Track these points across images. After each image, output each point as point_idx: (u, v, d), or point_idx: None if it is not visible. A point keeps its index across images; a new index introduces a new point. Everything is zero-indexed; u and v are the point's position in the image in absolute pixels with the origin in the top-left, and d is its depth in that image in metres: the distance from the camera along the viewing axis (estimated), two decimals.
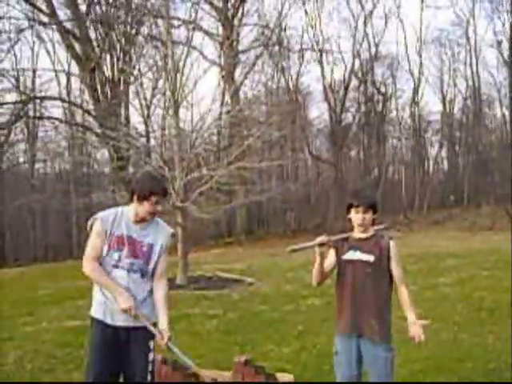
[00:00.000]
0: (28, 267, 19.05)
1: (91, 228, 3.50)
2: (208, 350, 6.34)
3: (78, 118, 29.52)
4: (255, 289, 11.20)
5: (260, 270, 14.07)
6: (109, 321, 3.44)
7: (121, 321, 3.42)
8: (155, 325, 3.47)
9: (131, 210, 3.54)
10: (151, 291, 3.55)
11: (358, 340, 3.51)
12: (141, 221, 3.53)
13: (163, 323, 3.48)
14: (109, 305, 3.42)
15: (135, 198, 3.50)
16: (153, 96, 25.67)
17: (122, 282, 3.43)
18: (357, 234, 3.63)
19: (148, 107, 26.24)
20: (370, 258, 3.51)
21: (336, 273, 3.64)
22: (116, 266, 3.45)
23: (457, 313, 8.02)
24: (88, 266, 3.44)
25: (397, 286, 3.58)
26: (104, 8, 24.16)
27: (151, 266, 3.53)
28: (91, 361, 3.46)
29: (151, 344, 3.49)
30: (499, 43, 34.06)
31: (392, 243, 3.58)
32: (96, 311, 3.50)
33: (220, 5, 28.79)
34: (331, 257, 3.64)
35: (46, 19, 23.63)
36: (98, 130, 21.99)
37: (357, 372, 3.54)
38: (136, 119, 28.79)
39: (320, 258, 3.53)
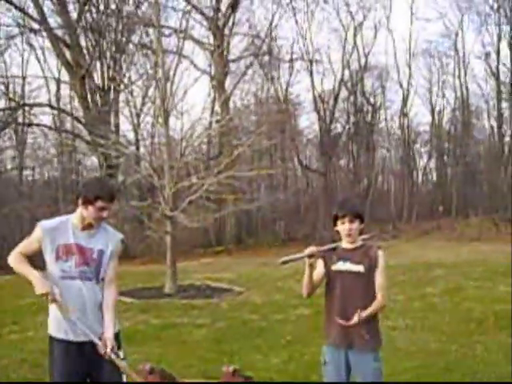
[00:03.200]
0: (14, 275, 18.90)
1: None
2: (196, 360, 6.31)
3: (68, 126, 29.39)
4: (244, 298, 11.17)
5: (249, 280, 14.04)
6: (72, 337, 3.29)
7: (85, 336, 3.25)
8: (116, 336, 3.35)
9: (77, 216, 3.41)
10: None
11: (346, 350, 3.50)
12: (88, 227, 3.40)
13: (108, 331, 3.30)
14: (67, 320, 3.25)
15: (80, 201, 3.36)
16: (143, 104, 25.64)
17: (76, 292, 3.29)
18: (345, 244, 3.63)
19: (138, 115, 26.22)
20: (360, 268, 3.51)
21: (325, 283, 3.63)
22: (68, 277, 3.31)
23: (445, 323, 8.04)
24: (11, 256, 3.37)
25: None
26: (95, 16, 24.14)
27: (102, 272, 3.40)
28: (55, 376, 3.31)
29: (121, 354, 3.30)
30: (487, 55, 34.40)
31: (380, 253, 3.58)
32: (56, 330, 3.34)
33: (211, 14, 28.83)
34: (320, 267, 3.63)
35: (36, 26, 23.59)
36: (88, 138, 21.94)
37: (345, 382, 3.53)
38: (126, 127, 28.89)
39: (310, 269, 3.52)
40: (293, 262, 3.53)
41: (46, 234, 3.35)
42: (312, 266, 3.51)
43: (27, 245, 3.42)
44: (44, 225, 3.40)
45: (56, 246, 3.34)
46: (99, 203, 3.34)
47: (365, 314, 3.42)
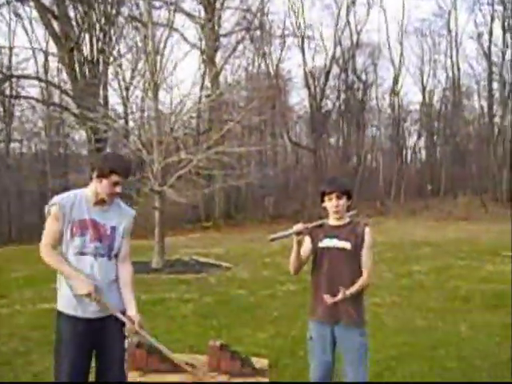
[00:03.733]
0: (2, 249, 18.81)
1: (49, 213, 3.28)
2: (183, 334, 6.32)
3: (56, 98, 29.11)
4: (232, 273, 11.20)
5: (237, 255, 14.08)
6: (80, 314, 3.24)
7: (93, 312, 3.25)
8: (123, 313, 3.33)
9: (90, 191, 3.33)
10: (117, 276, 3.40)
11: (332, 326, 3.51)
12: (101, 202, 3.33)
13: (131, 309, 3.33)
14: (78, 297, 3.22)
15: (95, 175, 3.28)
16: (132, 77, 25.26)
17: (88, 268, 3.25)
18: (332, 221, 3.61)
19: (127, 89, 25.92)
20: (347, 245, 3.50)
21: (312, 260, 3.63)
22: (81, 253, 3.26)
23: (431, 301, 8.11)
24: (44, 251, 3.23)
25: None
26: None
27: (115, 249, 3.36)
28: (63, 358, 3.28)
29: (124, 331, 3.33)
30: (479, 35, 34.38)
31: (367, 229, 3.57)
32: (65, 306, 3.29)
33: None
34: (307, 244, 3.62)
35: None
36: (76, 111, 21.72)
37: (331, 357, 3.55)
38: (115, 100, 28.66)
39: (297, 246, 3.51)
40: (281, 239, 3.52)
41: (64, 210, 3.24)
42: (300, 243, 3.50)
43: (51, 230, 3.26)
44: (60, 201, 3.26)
45: (71, 222, 3.26)
46: (114, 177, 3.27)
47: (349, 291, 3.43)
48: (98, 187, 3.29)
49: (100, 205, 3.34)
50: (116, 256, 3.39)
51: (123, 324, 3.30)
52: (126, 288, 3.39)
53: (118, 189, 3.31)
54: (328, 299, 3.42)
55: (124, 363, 3.37)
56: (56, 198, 3.28)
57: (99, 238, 3.29)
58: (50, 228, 3.26)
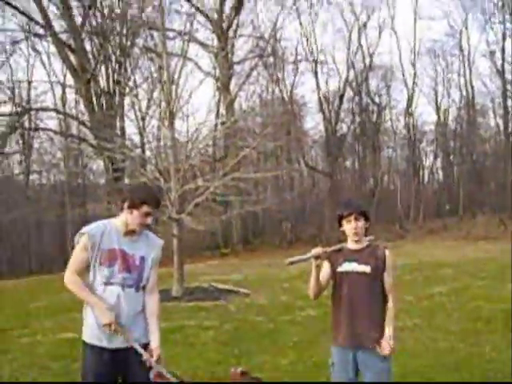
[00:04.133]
0: (23, 279, 18.96)
1: (78, 243, 3.34)
2: (204, 362, 6.31)
3: (74, 130, 29.54)
4: (251, 300, 11.17)
5: (256, 281, 14.04)
6: (105, 344, 3.28)
7: (119, 342, 3.28)
8: (147, 345, 3.35)
9: (120, 221, 3.39)
10: (144, 306, 3.42)
11: (355, 351, 3.50)
12: (130, 233, 3.39)
13: (154, 340, 3.36)
14: (103, 328, 3.25)
15: (126, 206, 3.35)
16: (148, 107, 25.65)
17: (115, 298, 3.28)
18: (351, 244, 3.62)
19: (143, 118, 26.24)
20: (367, 268, 3.50)
21: (332, 284, 3.63)
22: (109, 283, 3.29)
23: (453, 322, 8.01)
24: (69, 278, 3.28)
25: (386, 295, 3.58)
26: (99, 20, 24.24)
27: (144, 279, 3.40)
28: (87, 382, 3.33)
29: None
30: (492, 53, 34.30)
31: (387, 253, 3.58)
32: (90, 336, 3.33)
33: (215, 16, 28.91)
34: (326, 269, 3.62)
35: (41, 31, 23.77)
36: (93, 141, 22.02)
37: (354, 383, 3.53)
38: (131, 130, 28.90)
39: (316, 270, 3.51)
40: (299, 262, 3.54)
41: (94, 240, 3.29)
42: (318, 267, 3.51)
43: (78, 258, 3.32)
44: (90, 231, 3.32)
45: (100, 252, 3.30)
46: (145, 208, 3.34)
47: (389, 331, 3.48)
48: (128, 218, 3.35)
49: (130, 235, 3.38)
50: (144, 287, 3.41)
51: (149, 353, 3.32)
52: (152, 318, 3.41)
53: (149, 219, 3.39)
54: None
55: None
56: (86, 228, 3.34)
57: (128, 269, 3.33)
58: (76, 257, 3.31)
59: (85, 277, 3.33)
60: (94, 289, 3.29)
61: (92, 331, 3.31)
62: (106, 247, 3.30)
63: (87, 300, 3.27)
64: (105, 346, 3.29)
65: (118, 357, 3.29)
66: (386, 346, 3.43)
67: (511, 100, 34.45)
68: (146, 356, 3.26)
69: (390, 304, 3.55)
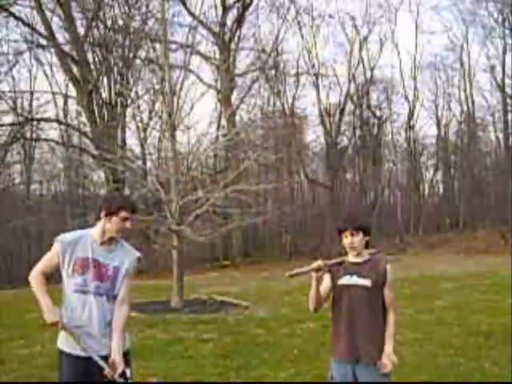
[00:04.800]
0: (22, 289, 18.89)
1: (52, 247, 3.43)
2: (203, 375, 6.28)
3: (75, 140, 29.60)
4: (251, 312, 11.13)
5: (256, 294, 14.01)
6: (79, 352, 3.28)
7: (93, 351, 3.28)
8: (127, 354, 3.37)
9: (97, 230, 3.43)
10: None
11: (354, 365, 3.48)
12: (108, 242, 3.42)
13: (115, 353, 3.28)
14: (79, 335, 3.27)
15: (103, 214, 3.40)
16: (149, 119, 25.85)
17: (87, 306, 3.32)
18: (352, 258, 3.61)
19: (145, 130, 26.41)
20: (367, 282, 3.49)
21: (332, 298, 3.62)
22: (82, 291, 3.33)
23: (453, 336, 7.98)
24: (32, 275, 3.35)
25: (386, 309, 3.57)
26: (102, 31, 24.40)
27: (116, 289, 3.41)
28: None
29: (127, 372, 3.29)
30: (492, 68, 34.46)
31: (389, 267, 3.57)
32: (64, 344, 3.34)
33: (217, 29, 29.07)
34: (326, 281, 3.62)
35: (44, 42, 23.85)
36: (95, 152, 22.02)
37: None
38: (132, 142, 28.94)
39: (316, 283, 3.51)
40: (300, 275, 3.53)
41: (66, 248, 3.35)
42: (319, 280, 3.50)
43: (48, 260, 3.41)
44: (64, 238, 3.39)
45: (74, 260, 3.35)
46: (123, 213, 3.39)
47: (390, 348, 3.46)
48: (107, 225, 3.39)
49: (107, 244, 3.42)
50: (115, 297, 3.41)
51: (125, 365, 3.28)
52: (116, 331, 3.36)
53: (128, 224, 3.42)
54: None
55: None
56: (61, 236, 3.41)
57: (100, 278, 3.35)
58: (46, 259, 3.41)
59: (48, 278, 3.38)
60: (67, 296, 3.34)
61: (66, 338, 3.32)
62: (79, 255, 3.35)
63: (38, 297, 3.29)
64: (79, 355, 3.29)
65: (93, 366, 3.26)
66: (387, 363, 3.42)
67: (511, 114, 34.53)
68: (106, 368, 3.22)
69: (391, 320, 3.54)
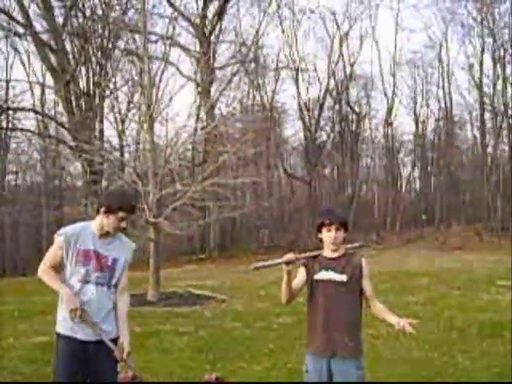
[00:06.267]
0: None
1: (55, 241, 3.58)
2: (179, 368, 6.27)
3: (52, 131, 29.19)
4: (227, 306, 11.14)
5: (232, 287, 14.01)
6: (78, 336, 3.47)
7: (90, 335, 3.46)
8: (116, 340, 3.53)
9: (96, 224, 3.59)
10: (115, 305, 3.62)
11: (329, 359, 3.49)
12: (105, 235, 3.58)
13: (124, 336, 3.55)
14: (76, 320, 3.43)
15: (103, 210, 3.54)
16: (128, 110, 25.61)
17: (89, 295, 3.49)
18: (328, 253, 3.61)
19: (123, 121, 26.16)
20: (343, 277, 3.50)
21: (307, 292, 3.62)
22: (85, 281, 3.50)
23: (428, 332, 8.06)
24: (42, 269, 3.52)
25: (370, 301, 3.59)
26: (81, 21, 24.09)
27: (115, 279, 3.60)
28: (60, 377, 3.50)
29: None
30: (471, 66, 34.82)
31: (364, 261, 3.58)
32: (64, 327, 3.51)
33: (197, 21, 28.91)
34: (301, 275, 3.61)
35: (21, 30, 23.48)
36: (72, 143, 21.79)
37: None
38: (110, 133, 28.70)
39: (287, 276, 3.48)
40: (267, 268, 3.52)
41: (69, 240, 3.51)
42: (289, 273, 3.47)
43: (52, 256, 3.55)
44: (67, 232, 3.55)
45: (76, 251, 3.51)
46: (120, 214, 3.54)
47: (395, 316, 3.53)
48: (104, 221, 3.56)
49: (104, 237, 3.59)
50: (115, 286, 3.61)
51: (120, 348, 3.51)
52: (121, 318, 3.61)
53: (124, 224, 3.60)
54: None
55: None
56: (63, 229, 3.60)
57: (101, 268, 3.54)
58: (51, 253, 3.57)
59: (58, 272, 3.55)
60: (70, 286, 3.48)
61: (66, 323, 3.49)
62: (81, 248, 3.52)
63: (56, 288, 3.47)
64: (76, 337, 3.47)
65: (89, 348, 3.47)
66: (403, 324, 3.45)
67: (488, 113, 34.96)
68: (116, 350, 3.45)
69: (380, 305, 3.61)
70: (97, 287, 3.51)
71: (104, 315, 3.53)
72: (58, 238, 3.54)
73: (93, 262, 3.51)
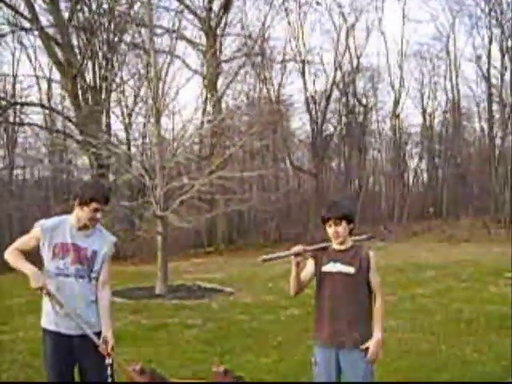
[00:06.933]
0: (4, 275, 18.76)
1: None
2: (187, 360, 6.30)
3: (59, 125, 29.23)
4: (235, 298, 11.17)
5: (240, 280, 14.04)
6: (62, 330, 3.48)
7: (73, 329, 3.47)
8: (99, 334, 3.53)
9: (74, 217, 3.61)
10: (96, 298, 3.61)
11: (337, 351, 3.50)
12: (84, 228, 3.60)
13: (107, 330, 3.55)
14: (60, 314, 3.45)
15: (76, 203, 3.57)
16: (134, 104, 25.59)
17: (69, 288, 3.49)
18: (336, 245, 3.63)
19: (129, 115, 26.16)
20: (351, 269, 3.51)
21: (315, 284, 3.63)
22: (63, 275, 3.51)
23: (435, 324, 8.07)
24: (9, 251, 3.52)
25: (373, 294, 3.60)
26: (87, 15, 24.07)
27: (95, 271, 3.59)
28: (49, 373, 3.55)
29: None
30: (478, 58, 34.55)
31: (371, 253, 3.59)
32: (47, 322, 3.54)
33: (203, 14, 28.83)
34: (309, 267, 3.63)
35: (27, 25, 23.48)
36: (79, 137, 21.84)
37: (336, 382, 3.54)
38: (117, 127, 28.67)
39: (296, 268, 3.51)
40: (276, 260, 3.53)
41: (46, 233, 3.54)
42: (298, 265, 3.50)
43: (25, 242, 3.59)
44: (44, 224, 3.57)
45: (54, 244, 3.53)
46: (93, 205, 3.54)
47: (379, 335, 3.51)
48: (79, 214, 3.57)
49: (83, 230, 3.60)
50: (96, 279, 3.60)
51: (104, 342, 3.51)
52: (104, 310, 3.59)
53: (99, 215, 3.59)
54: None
55: (107, 379, 3.51)
56: (41, 221, 3.60)
57: (80, 261, 3.54)
58: (23, 239, 3.60)
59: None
60: (49, 279, 3.47)
61: (49, 317, 3.51)
62: (59, 241, 3.54)
63: (20, 267, 3.45)
64: (61, 332, 3.49)
65: (75, 343, 3.49)
66: (374, 350, 3.45)
67: (496, 105, 34.74)
68: (100, 344, 3.46)
69: (378, 304, 3.58)
70: (77, 280, 3.51)
71: (85, 306, 3.53)
72: (35, 229, 3.56)
73: (71, 255, 3.52)
